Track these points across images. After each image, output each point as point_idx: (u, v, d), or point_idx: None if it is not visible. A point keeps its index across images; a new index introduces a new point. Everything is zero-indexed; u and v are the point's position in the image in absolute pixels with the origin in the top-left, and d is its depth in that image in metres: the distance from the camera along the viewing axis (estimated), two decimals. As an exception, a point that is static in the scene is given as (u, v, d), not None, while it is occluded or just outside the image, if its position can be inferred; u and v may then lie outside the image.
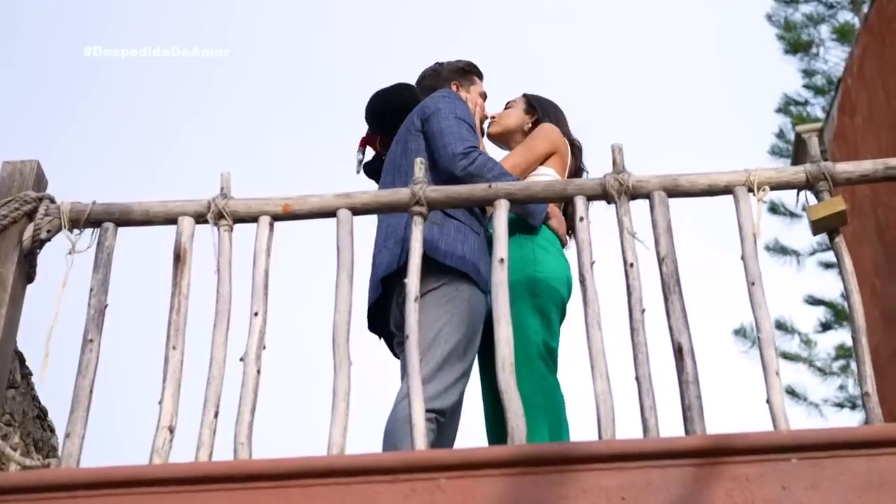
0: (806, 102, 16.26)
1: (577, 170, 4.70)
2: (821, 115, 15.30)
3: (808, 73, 16.21)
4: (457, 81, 4.74)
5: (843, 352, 14.88)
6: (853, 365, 14.39)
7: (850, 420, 14.51)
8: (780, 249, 15.46)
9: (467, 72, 4.81)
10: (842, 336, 15.17)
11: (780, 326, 15.27)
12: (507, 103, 4.90)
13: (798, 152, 12.05)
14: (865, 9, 14.08)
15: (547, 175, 4.51)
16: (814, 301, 15.27)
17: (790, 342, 15.28)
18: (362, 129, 4.73)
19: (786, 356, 15.13)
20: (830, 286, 15.44)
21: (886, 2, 9.99)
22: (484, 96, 4.82)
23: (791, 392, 14.98)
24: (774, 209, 14.91)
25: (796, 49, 15.99)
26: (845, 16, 16.02)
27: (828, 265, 14.96)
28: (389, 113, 4.60)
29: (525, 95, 4.89)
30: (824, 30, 16.06)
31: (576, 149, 4.73)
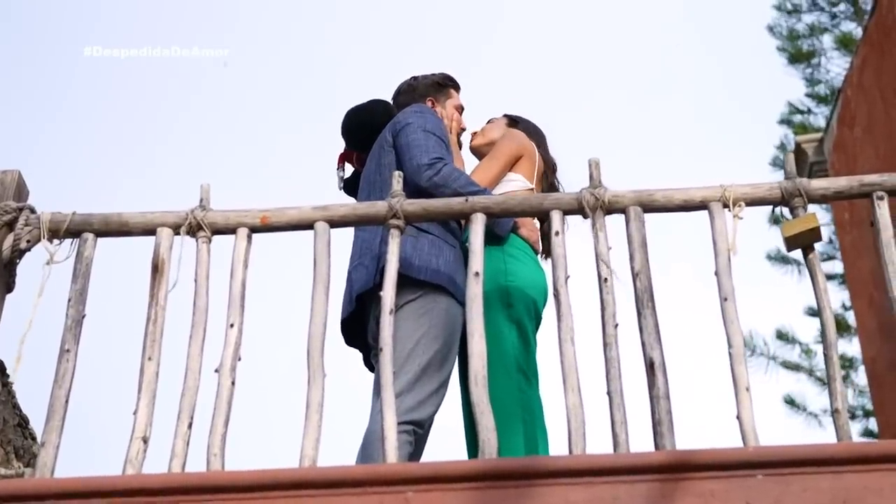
0: (809, 112, 16.26)
1: (549, 186, 4.71)
2: (824, 124, 15.29)
3: (811, 83, 16.22)
4: (432, 97, 4.75)
5: (843, 362, 14.86)
6: (853, 376, 14.41)
7: (850, 430, 14.51)
8: (782, 259, 15.44)
9: (442, 85, 4.81)
10: (843, 346, 15.15)
11: (781, 336, 15.24)
12: (489, 120, 4.92)
13: (798, 162, 12.05)
14: (867, 18, 14.09)
15: (516, 181, 4.53)
16: (814, 312, 15.24)
17: (791, 352, 15.27)
18: (341, 144, 4.75)
19: (786, 365, 15.11)
20: (832, 296, 15.44)
21: (886, 13, 10.00)
22: (461, 109, 4.83)
23: (790, 402, 14.96)
24: (777, 220, 14.91)
25: (799, 59, 16.00)
26: (848, 26, 16.03)
27: (829, 277, 14.96)
28: (364, 129, 4.62)
29: (506, 115, 4.93)
30: (827, 39, 16.08)
31: (549, 167, 4.75)
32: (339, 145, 4.77)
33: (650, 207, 3.54)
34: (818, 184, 3.57)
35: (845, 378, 14.87)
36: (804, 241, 3.48)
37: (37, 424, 4.24)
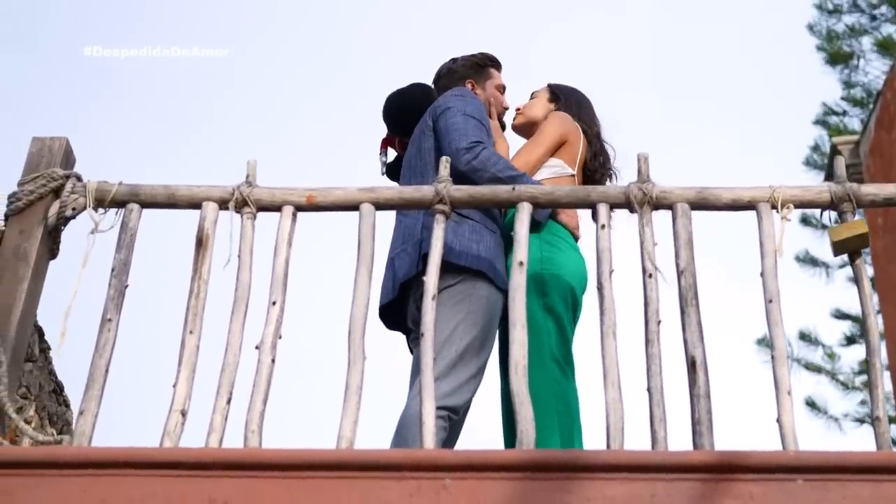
0: (844, 114, 16.15)
1: (594, 154, 4.67)
2: (858, 127, 15.19)
3: (848, 85, 16.10)
4: (472, 79, 4.71)
5: (866, 367, 14.78)
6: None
7: (869, 436, 14.42)
8: (810, 261, 15.36)
9: (482, 66, 4.77)
10: (866, 351, 15.06)
11: (805, 337, 15.17)
12: (532, 94, 4.89)
13: (833, 163, 11.98)
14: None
15: (555, 167, 4.50)
16: (840, 315, 15.18)
17: (814, 353, 15.20)
18: (381, 130, 4.74)
19: (809, 367, 15.04)
20: (857, 301, 15.34)
21: (929, 18, 9.92)
22: (502, 89, 4.80)
23: (811, 404, 14.89)
24: (806, 220, 14.83)
25: (836, 60, 15.88)
26: (888, 29, 15.90)
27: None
28: (405, 114, 4.61)
29: (549, 85, 4.88)
30: (866, 42, 15.95)
31: (592, 134, 4.70)
32: (381, 130, 4.76)
33: (698, 205, 3.52)
34: (868, 189, 3.55)
35: (868, 383, 14.80)
36: (851, 246, 3.46)
37: (71, 392, 4.27)
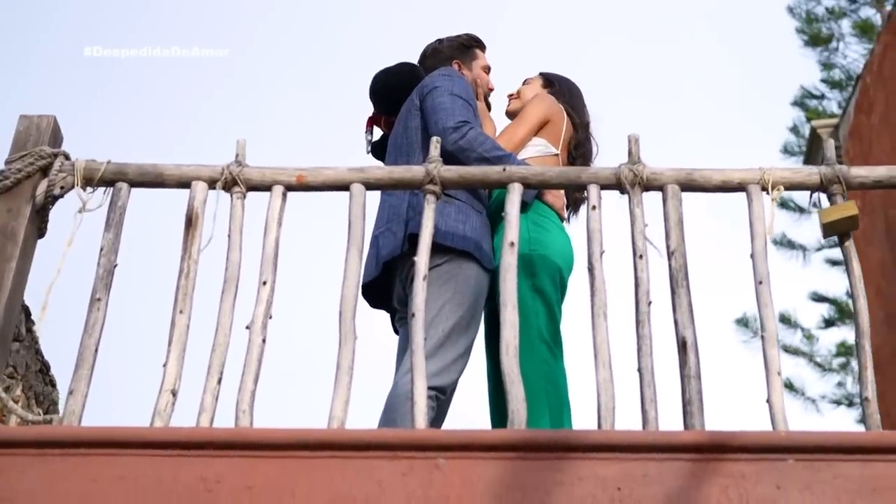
0: (822, 97, 16.21)
1: (577, 144, 4.68)
2: (837, 110, 15.25)
3: (826, 67, 16.16)
4: (458, 59, 4.72)
5: (844, 349, 14.88)
6: (853, 363, 14.41)
7: (845, 417, 14.54)
8: (788, 244, 15.44)
9: (468, 47, 4.78)
10: (844, 333, 15.17)
11: (784, 320, 15.26)
12: (525, 80, 4.90)
13: (812, 147, 12.02)
14: (889, 6, 14.02)
15: (539, 146, 4.52)
16: (818, 298, 15.27)
17: (792, 336, 15.29)
18: (368, 109, 4.74)
19: (787, 350, 15.14)
20: (835, 283, 15.46)
21: (910, 2, 9.95)
22: (488, 69, 4.80)
23: (789, 386, 14.98)
24: (784, 204, 14.89)
25: (816, 43, 15.94)
26: (867, 12, 15.95)
27: (834, 262, 14.95)
28: (391, 92, 4.60)
29: (542, 73, 4.90)
30: (845, 24, 16.00)
31: (580, 124, 4.71)
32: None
33: (688, 186, 3.53)
34: (858, 171, 3.56)
35: (845, 365, 14.92)
36: (841, 228, 3.47)
37: (58, 372, 4.25)
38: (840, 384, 14.75)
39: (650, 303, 3.32)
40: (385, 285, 4.22)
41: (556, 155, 4.55)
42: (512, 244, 3.43)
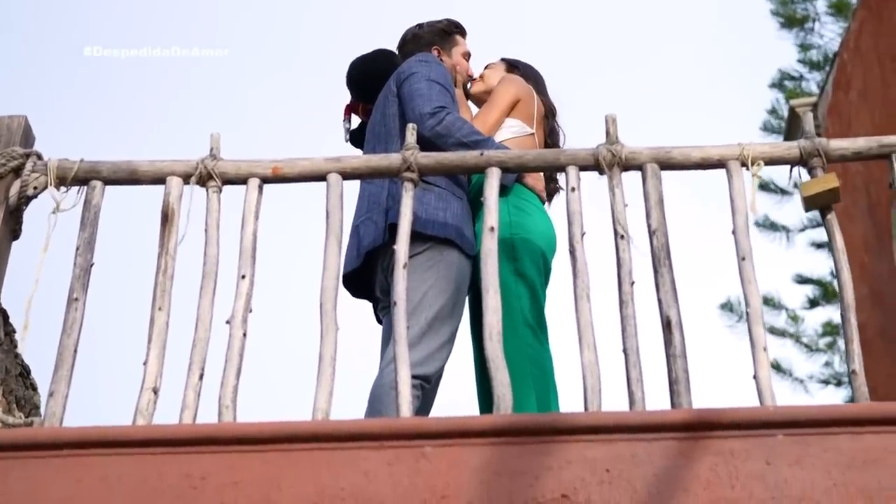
0: (801, 77, 16.20)
1: (551, 131, 4.67)
2: (815, 90, 15.24)
3: (803, 48, 16.14)
4: (437, 45, 4.67)
5: (829, 329, 14.88)
6: (839, 342, 14.43)
7: (834, 397, 14.55)
8: (770, 226, 15.41)
9: (448, 33, 4.73)
10: (829, 313, 15.17)
11: (768, 302, 15.22)
12: (487, 66, 4.88)
13: (791, 127, 12.02)
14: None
15: (513, 126, 4.50)
16: (802, 280, 15.27)
17: (777, 318, 15.27)
18: (346, 97, 4.70)
19: (773, 331, 15.11)
20: (819, 264, 15.44)
21: (884, -23, 9.95)
22: (468, 56, 4.76)
23: (777, 367, 14.95)
24: (765, 186, 14.86)
25: (792, 24, 15.93)
26: (842, -9, 15.95)
27: (818, 245, 14.95)
28: (369, 80, 4.57)
29: (503, 59, 4.89)
30: (820, 4, 15.99)
31: (549, 110, 4.70)
32: (345, 97, 4.72)
33: (667, 165, 3.51)
34: (837, 144, 3.54)
35: (832, 345, 14.94)
36: (823, 201, 3.45)
37: (38, 374, 4.20)
38: (827, 363, 14.75)
39: (633, 283, 3.29)
40: (367, 275, 4.19)
41: (532, 135, 4.53)
42: (492, 229, 3.40)
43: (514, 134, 4.48)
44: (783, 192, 14.86)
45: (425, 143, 3.85)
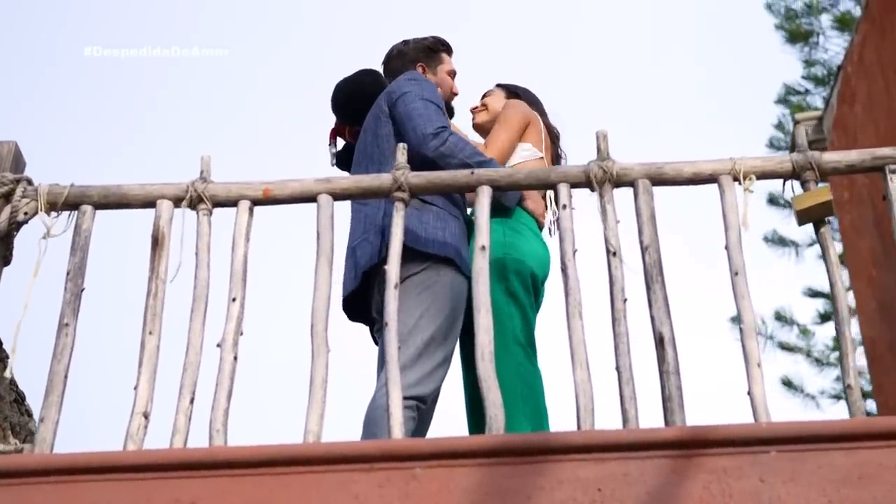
0: (806, 92, 16.17)
1: (555, 156, 4.66)
2: (821, 105, 15.19)
3: (808, 63, 16.11)
4: (422, 62, 4.63)
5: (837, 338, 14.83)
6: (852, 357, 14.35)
7: (845, 413, 14.47)
8: (779, 240, 15.37)
9: (434, 50, 4.68)
10: (839, 327, 15.10)
11: (779, 317, 15.18)
12: (485, 93, 4.84)
13: (796, 141, 11.98)
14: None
15: (525, 150, 4.48)
16: (813, 293, 15.21)
17: (788, 333, 15.21)
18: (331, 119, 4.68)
19: (783, 346, 15.06)
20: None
21: (886, -10, 9.92)
22: (453, 74, 4.70)
23: (788, 383, 14.91)
24: (773, 200, 14.85)
25: (796, 39, 15.90)
26: (846, 4, 15.93)
27: (827, 257, 14.90)
28: (355, 101, 4.53)
29: (499, 84, 4.85)
30: (825, 19, 15.96)
31: (553, 135, 4.69)
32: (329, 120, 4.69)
33: (659, 181, 3.48)
34: (830, 157, 3.52)
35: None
36: (816, 214, 3.43)
37: (32, 399, 4.19)
38: (838, 378, 14.66)
39: (625, 300, 3.27)
40: (363, 296, 4.16)
41: (542, 158, 4.51)
42: (483, 248, 3.38)
43: (524, 158, 4.46)
44: (791, 206, 14.82)
45: (423, 164, 3.83)
